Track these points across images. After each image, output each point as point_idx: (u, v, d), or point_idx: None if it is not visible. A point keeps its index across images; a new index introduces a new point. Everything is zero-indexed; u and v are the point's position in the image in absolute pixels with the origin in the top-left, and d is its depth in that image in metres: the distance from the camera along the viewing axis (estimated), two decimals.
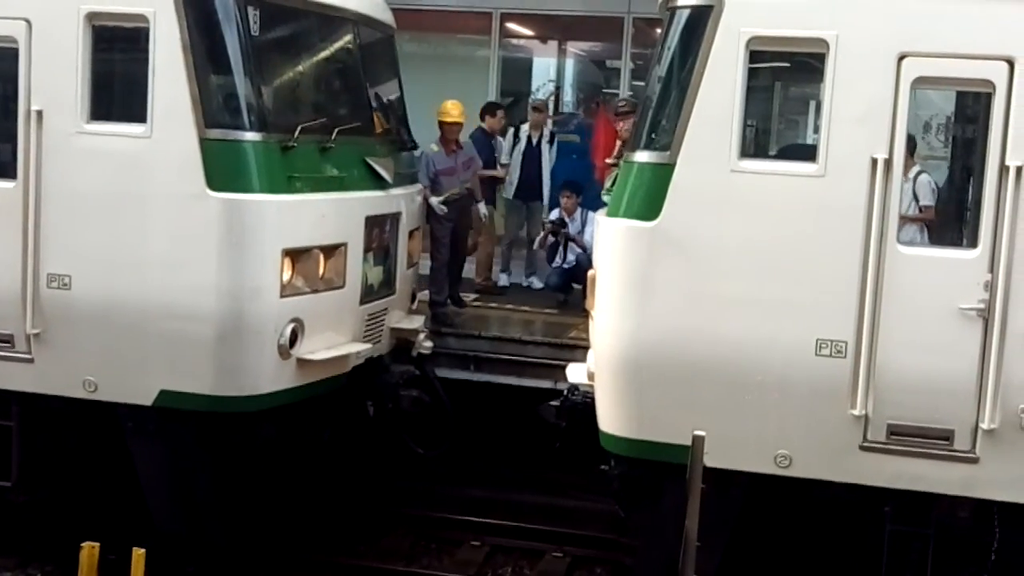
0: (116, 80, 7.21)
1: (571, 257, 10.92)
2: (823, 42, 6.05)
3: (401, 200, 8.50)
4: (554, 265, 11.13)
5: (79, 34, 6.98)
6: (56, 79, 7.04)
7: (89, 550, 5.69)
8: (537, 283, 12.01)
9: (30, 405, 7.39)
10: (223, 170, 6.88)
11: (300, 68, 8.14)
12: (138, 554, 5.62)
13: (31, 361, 7.22)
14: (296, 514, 8.62)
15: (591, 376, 6.93)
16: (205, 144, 6.85)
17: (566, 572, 8.42)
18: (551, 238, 10.91)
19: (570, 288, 10.85)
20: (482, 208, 10.78)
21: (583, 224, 10.91)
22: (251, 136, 7.00)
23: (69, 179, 7.05)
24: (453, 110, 10.00)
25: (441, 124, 10.04)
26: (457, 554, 8.66)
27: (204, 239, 6.86)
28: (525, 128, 12.00)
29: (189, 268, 6.87)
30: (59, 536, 7.77)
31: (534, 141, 11.91)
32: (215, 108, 6.98)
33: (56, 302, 7.11)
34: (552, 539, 8.80)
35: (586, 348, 7.53)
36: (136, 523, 7.48)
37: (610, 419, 6.61)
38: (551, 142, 12.08)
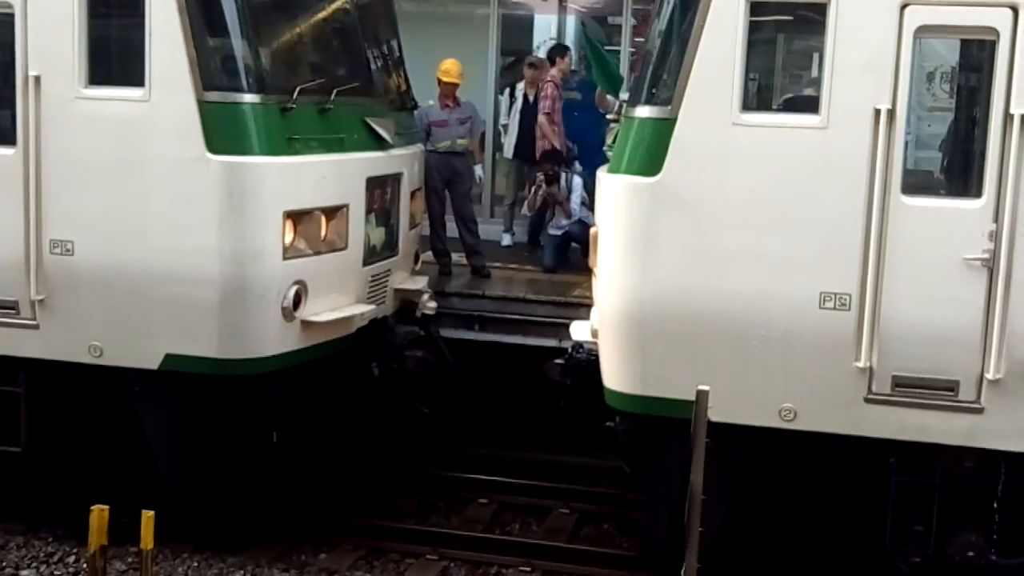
0: (113, 44, 7.14)
1: (563, 223, 10.80)
2: None
3: (402, 161, 8.46)
4: (550, 231, 10.98)
5: None
6: (53, 44, 6.98)
7: (99, 513, 5.73)
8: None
9: (37, 371, 7.42)
10: (222, 133, 6.84)
11: (298, 29, 8.05)
12: (147, 516, 5.67)
13: (36, 327, 7.24)
14: (304, 475, 8.68)
15: (595, 333, 6.92)
16: (204, 107, 6.81)
17: (573, 528, 8.49)
18: (543, 187, 10.74)
19: (566, 258, 10.77)
20: (478, 170, 11.15)
21: (569, 191, 10.75)
22: (250, 98, 6.96)
23: (69, 144, 7.02)
24: (452, 69, 10.33)
25: (439, 81, 10.35)
26: (465, 512, 8.74)
27: (205, 202, 6.83)
28: (521, 87, 11.88)
29: (190, 232, 6.86)
30: (69, 500, 7.83)
31: (531, 99, 11.79)
32: (213, 70, 6.92)
33: (59, 268, 7.12)
34: (559, 496, 8.87)
35: (590, 306, 7.53)
36: (145, 486, 7.54)
37: (614, 376, 6.62)
38: None
